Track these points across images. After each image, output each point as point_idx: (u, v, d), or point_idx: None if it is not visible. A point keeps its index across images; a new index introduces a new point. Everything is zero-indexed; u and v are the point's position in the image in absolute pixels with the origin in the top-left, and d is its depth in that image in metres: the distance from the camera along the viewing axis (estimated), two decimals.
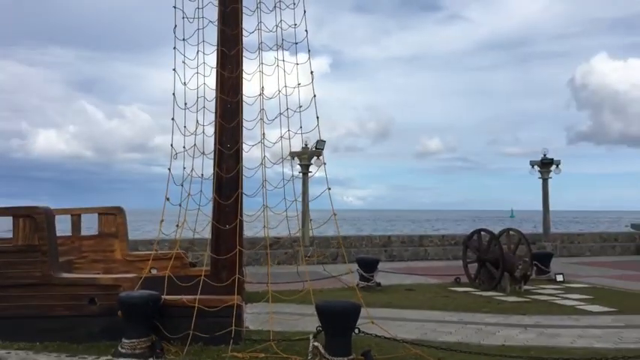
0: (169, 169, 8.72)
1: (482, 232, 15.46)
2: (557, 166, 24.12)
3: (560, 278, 15.77)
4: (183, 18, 9.15)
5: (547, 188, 24.52)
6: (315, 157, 21.25)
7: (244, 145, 8.98)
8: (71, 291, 7.96)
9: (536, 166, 24.40)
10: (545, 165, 24.12)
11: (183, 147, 9.03)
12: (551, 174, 24.29)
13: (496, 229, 16.17)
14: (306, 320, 9.14)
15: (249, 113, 9.28)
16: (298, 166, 21.39)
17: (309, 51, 9.26)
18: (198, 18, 9.31)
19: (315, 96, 8.89)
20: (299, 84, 9.28)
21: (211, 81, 9.16)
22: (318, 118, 8.93)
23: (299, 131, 9.37)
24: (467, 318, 10.41)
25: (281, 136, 9.35)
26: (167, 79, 9.34)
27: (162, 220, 8.76)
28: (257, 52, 9.40)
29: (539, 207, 25.37)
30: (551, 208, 25.04)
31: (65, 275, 8.36)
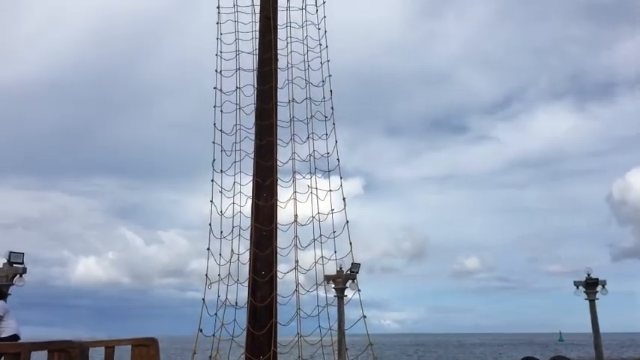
0: (203, 299, 8.72)
1: None
2: (604, 286, 23.19)
3: None
4: (222, 151, 9.65)
5: (595, 310, 23.36)
6: (350, 281, 21.01)
7: (278, 273, 8.99)
8: None
9: (581, 287, 23.49)
10: (591, 285, 23.22)
11: (218, 275, 9.09)
12: (598, 294, 23.27)
13: (544, 354, 15.22)
14: None
15: (283, 240, 9.39)
16: (333, 290, 21.11)
17: (340, 178, 9.54)
18: (236, 150, 9.80)
19: (347, 222, 9.01)
20: (332, 210, 9.45)
21: (247, 210, 9.42)
22: (351, 244, 8.97)
23: (333, 256, 9.38)
24: None
25: (315, 262, 9.35)
26: (204, 204, 9.67)
27: (194, 353, 8.60)
28: (291, 181, 9.72)
29: (589, 329, 23.99)
30: (601, 331, 23.65)
31: None
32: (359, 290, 9.34)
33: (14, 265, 16.24)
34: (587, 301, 23.29)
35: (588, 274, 23.17)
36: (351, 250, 9.00)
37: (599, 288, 23.10)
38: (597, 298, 23.22)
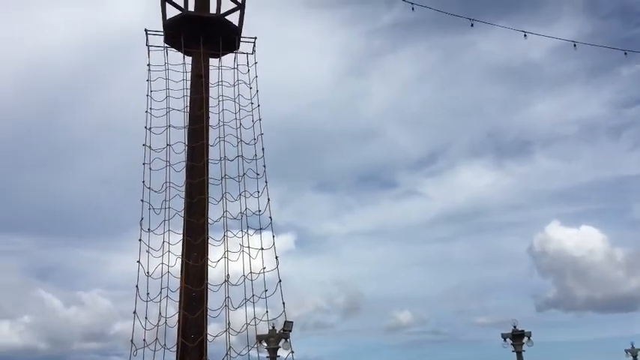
0: None
1: None
2: (529, 337, 23.88)
3: None
4: (150, 209, 9.37)
5: None
6: (283, 340, 20.50)
7: (209, 336, 8.66)
8: None
9: (508, 339, 24.04)
10: (517, 337, 23.84)
11: (144, 340, 8.65)
12: (524, 346, 23.88)
13: None
14: None
15: (213, 301, 9.11)
16: (266, 350, 20.50)
17: (273, 237, 9.47)
18: (165, 209, 9.55)
19: (280, 281, 8.89)
20: (264, 268, 9.31)
21: (175, 270, 9.12)
22: (284, 303, 8.83)
23: (265, 316, 9.18)
24: None
25: (247, 323, 9.11)
26: (129, 262, 9.26)
27: None
28: (222, 239, 9.54)
29: None
30: None
31: None
32: (292, 352, 9.13)
33: None
34: (515, 353, 23.82)
35: (514, 326, 23.79)
36: (284, 310, 8.86)
37: (525, 339, 23.72)
38: (524, 350, 23.80)
